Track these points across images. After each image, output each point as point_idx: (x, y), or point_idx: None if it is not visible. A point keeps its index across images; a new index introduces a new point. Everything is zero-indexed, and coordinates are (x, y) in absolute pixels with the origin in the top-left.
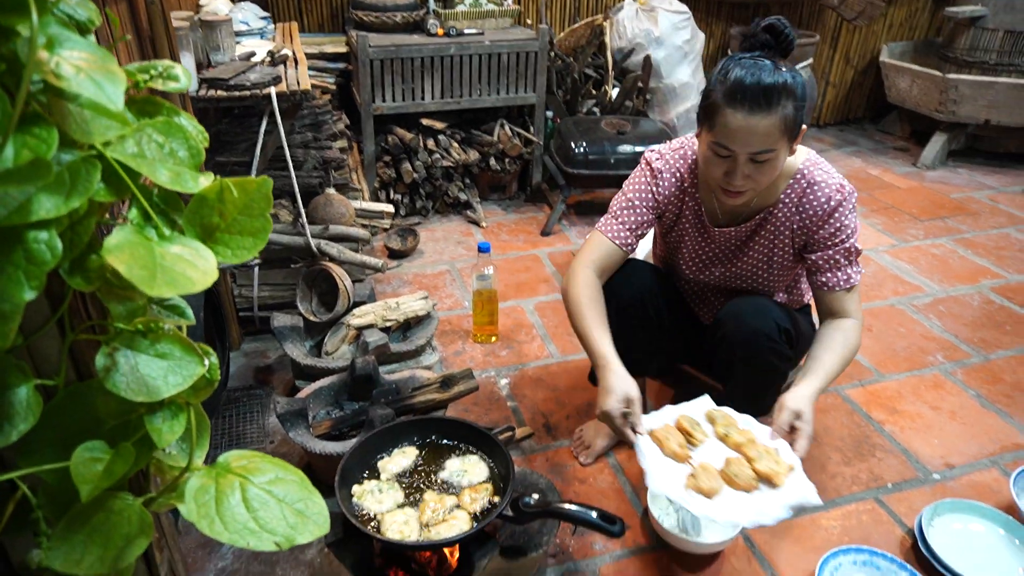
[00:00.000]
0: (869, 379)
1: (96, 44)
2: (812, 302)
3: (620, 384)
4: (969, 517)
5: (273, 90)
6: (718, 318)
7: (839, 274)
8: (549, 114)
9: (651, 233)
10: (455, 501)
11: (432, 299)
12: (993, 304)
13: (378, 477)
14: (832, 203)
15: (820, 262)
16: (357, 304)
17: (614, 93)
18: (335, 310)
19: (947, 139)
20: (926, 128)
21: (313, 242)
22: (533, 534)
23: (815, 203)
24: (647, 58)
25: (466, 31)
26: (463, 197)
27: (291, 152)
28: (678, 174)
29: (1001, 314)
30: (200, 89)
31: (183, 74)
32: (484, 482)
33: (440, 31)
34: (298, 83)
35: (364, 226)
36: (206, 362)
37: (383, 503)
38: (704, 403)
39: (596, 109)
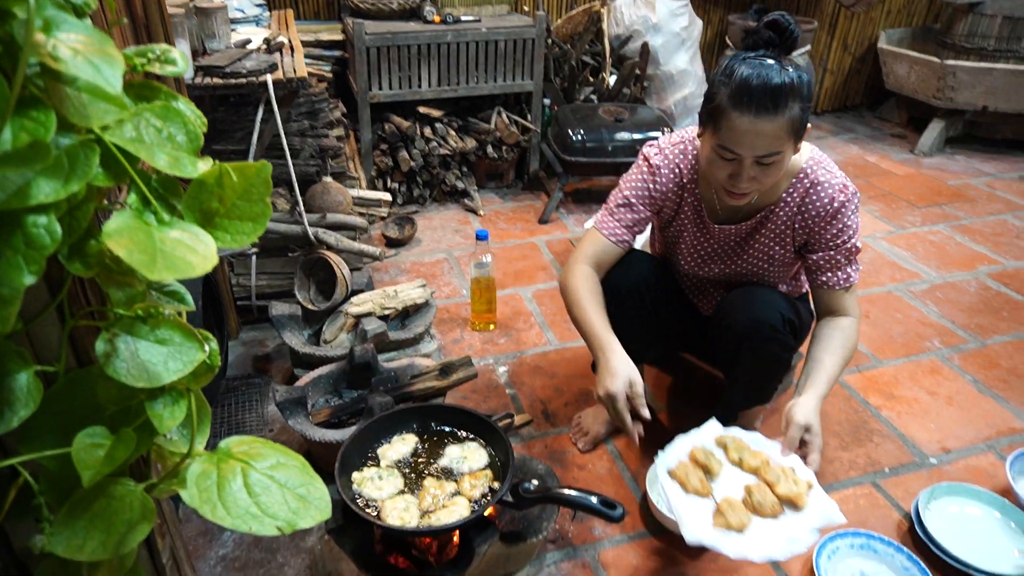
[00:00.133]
0: (867, 365)
1: (93, 27)
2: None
3: (624, 367)
4: (965, 501)
5: (269, 78)
6: (721, 308)
7: (839, 274)
8: (546, 102)
9: (650, 225)
10: (455, 487)
11: (430, 287)
12: (990, 290)
13: (378, 464)
14: (835, 204)
15: (821, 262)
16: (355, 292)
17: (612, 80)
18: (333, 298)
19: (945, 126)
20: (924, 115)
21: (311, 230)
22: (533, 520)
23: (818, 204)
24: (645, 45)
25: (463, 18)
26: (460, 185)
27: (288, 140)
28: (677, 170)
29: (998, 300)
30: (196, 77)
31: (180, 58)
32: (484, 469)
33: (437, 18)
34: (294, 71)
35: (362, 214)
36: (206, 348)
37: (383, 490)
38: (712, 428)
39: (594, 96)
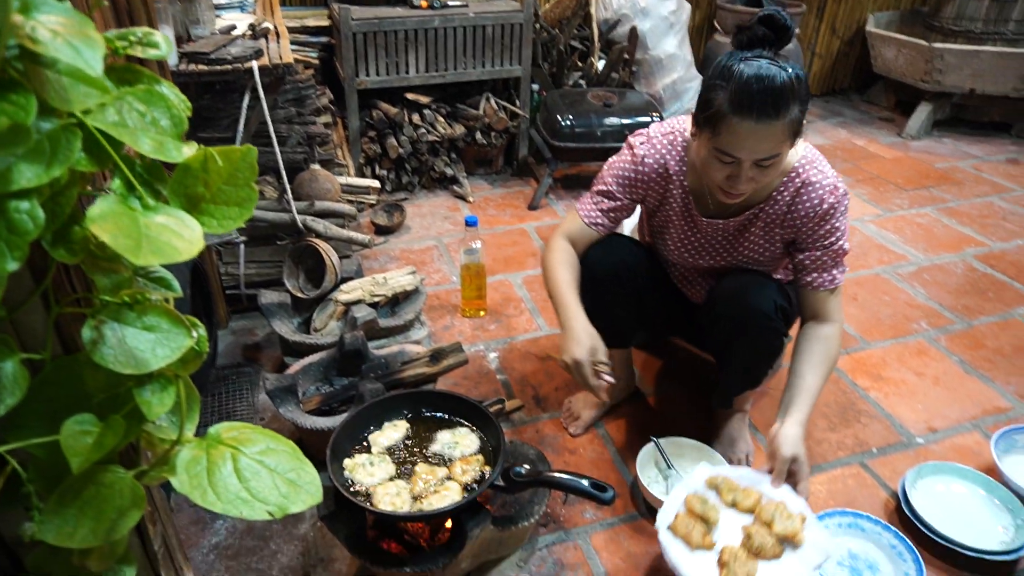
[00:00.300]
0: (855, 347)
1: (73, 9)
2: None
3: (586, 334)
4: (951, 479)
5: (255, 64)
6: (712, 297)
7: (825, 275)
8: (535, 87)
9: (639, 209)
10: (446, 472)
11: (420, 274)
12: (976, 272)
13: (369, 451)
14: (824, 206)
15: (807, 262)
16: (344, 280)
17: (600, 65)
18: (323, 286)
19: (932, 109)
20: (911, 98)
21: (299, 218)
22: (524, 504)
23: (807, 204)
24: (633, 29)
25: (450, 3)
26: (449, 172)
27: (275, 128)
28: (662, 160)
29: (984, 281)
30: (180, 63)
31: (163, 41)
32: (475, 454)
33: (424, 3)
34: (280, 57)
35: (350, 202)
36: (194, 334)
37: (375, 476)
38: (703, 472)
39: (582, 81)
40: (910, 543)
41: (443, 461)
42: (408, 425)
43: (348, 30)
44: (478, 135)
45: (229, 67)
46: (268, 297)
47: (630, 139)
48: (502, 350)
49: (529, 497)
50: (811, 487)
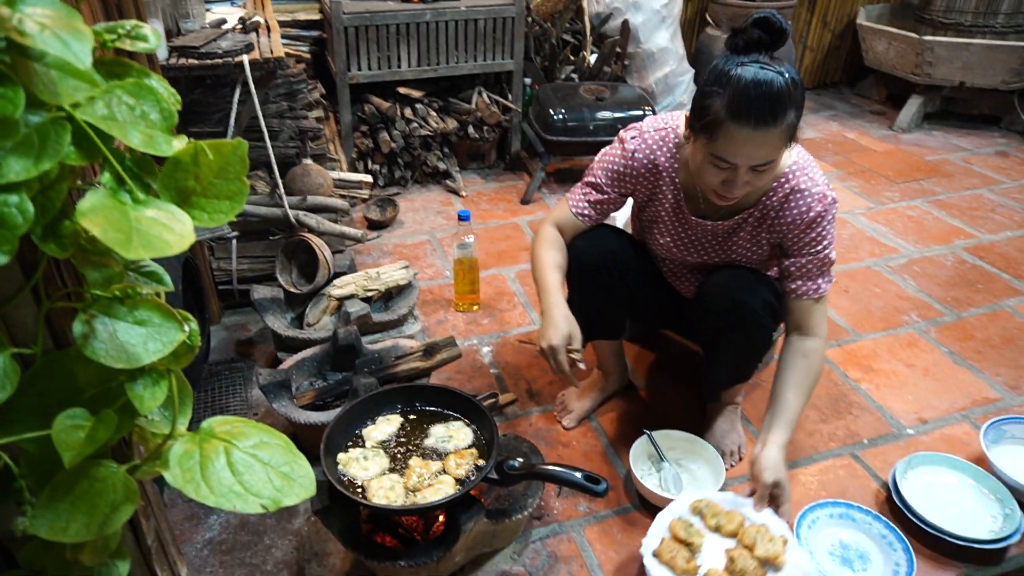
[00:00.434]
0: (846, 339)
1: (60, 1)
2: None
3: (564, 321)
4: (941, 469)
5: (246, 58)
6: (702, 291)
7: (810, 284)
8: (527, 81)
9: (630, 202)
10: (440, 466)
11: (413, 269)
12: (966, 264)
13: (363, 445)
14: (812, 213)
15: (793, 268)
16: (338, 275)
17: (592, 59)
18: (315, 281)
19: (923, 102)
20: (902, 91)
21: (291, 213)
22: (518, 497)
23: (795, 211)
24: (625, 23)
25: None
26: (442, 166)
27: (266, 122)
28: (652, 156)
29: (973, 273)
30: (171, 58)
31: (152, 34)
32: (469, 447)
33: None
34: (271, 51)
35: (343, 197)
36: (186, 328)
37: (369, 470)
38: (687, 497)
39: (574, 75)
40: (900, 533)
41: (437, 455)
42: (402, 419)
43: (340, 24)
44: (470, 129)
45: (219, 61)
46: (261, 292)
47: (622, 133)
48: (495, 344)
49: (523, 490)
50: (802, 478)
